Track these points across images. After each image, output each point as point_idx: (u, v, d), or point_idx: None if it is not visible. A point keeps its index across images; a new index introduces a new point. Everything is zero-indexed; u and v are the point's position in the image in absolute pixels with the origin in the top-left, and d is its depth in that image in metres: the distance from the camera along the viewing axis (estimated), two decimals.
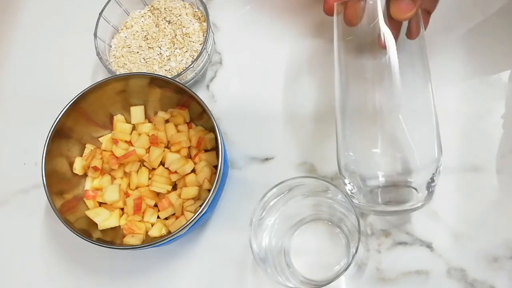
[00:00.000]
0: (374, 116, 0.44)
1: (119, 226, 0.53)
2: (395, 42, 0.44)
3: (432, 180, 0.44)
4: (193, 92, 0.51)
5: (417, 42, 0.46)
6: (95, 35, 0.58)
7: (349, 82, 0.46)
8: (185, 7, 0.61)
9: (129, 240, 0.51)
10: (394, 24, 0.44)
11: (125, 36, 0.61)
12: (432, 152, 0.45)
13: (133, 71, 0.59)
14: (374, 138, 0.44)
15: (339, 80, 0.46)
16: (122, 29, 0.61)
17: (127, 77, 0.53)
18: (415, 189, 0.44)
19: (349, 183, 0.45)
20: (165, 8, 0.61)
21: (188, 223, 0.47)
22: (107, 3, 0.59)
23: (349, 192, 0.46)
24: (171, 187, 0.54)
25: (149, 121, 0.57)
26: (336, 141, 0.46)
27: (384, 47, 0.44)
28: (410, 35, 0.45)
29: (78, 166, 0.55)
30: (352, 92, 0.46)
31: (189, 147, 0.54)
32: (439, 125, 0.45)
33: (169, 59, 0.58)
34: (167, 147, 0.55)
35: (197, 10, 0.61)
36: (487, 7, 0.56)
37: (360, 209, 0.46)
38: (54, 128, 0.51)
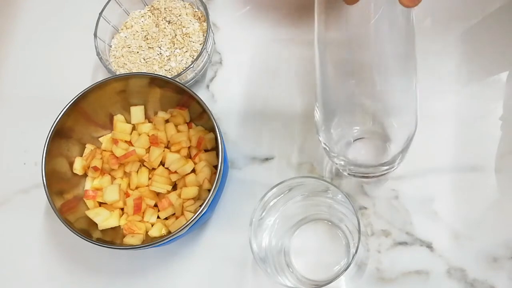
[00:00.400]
0: (354, 72, 0.45)
1: (119, 226, 0.53)
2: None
3: (408, 143, 0.44)
4: (193, 92, 0.51)
5: (405, 31, 0.46)
6: (95, 35, 0.58)
7: (329, 41, 0.46)
8: (185, 7, 0.61)
9: (129, 240, 0.51)
10: None
11: (125, 36, 0.61)
12: (412, 116, 0.44)
13: (133, 71, 0.59)
14: (354, 96, 0.45)
15: (318, 49, 0.46)
16: (122, 29, 0.61)
17: (127, 77, 0.53)
18: (390, 144, 0.45)
19: (323, 137, 0.46)
20: (165, 8, 0.61)
21: (188, 223, 0.47)
22: (107, 3, 0.59)
23: (324, 146, 0.46)
24: (171, 187, 0.54)
25: (149, 121, 0.57)
26: (315, 96, 0.46)
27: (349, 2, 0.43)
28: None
29: (78, 166, 0.55)
30: (334, 57, 0.46)
31: (189, 147, 0.54)
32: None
33: (169, 59, 0.58)
34: (167, 147, 0.55)
35: (197, 10, 0.61)
36: (486, 7, 0.56)
37: (336, 166, 0.46)
38: (54, 128, 0.51)
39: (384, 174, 0.46)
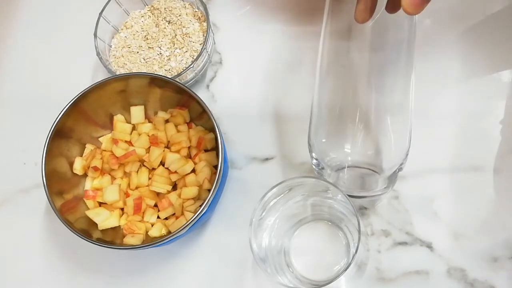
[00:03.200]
0: (352, 102, 0.46)
1: (119, 226, 0.53)
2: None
3: (398, 170, 0.45)
4: (193, 92, 0.51)
5: (406, 37, 0.46)
6: (95, 35, 0.58)
7: (329, 71, 0.47)
8: (185, 7, 0.61)
9: (129, 240, 0.51)
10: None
11: (125, 36, 0.61)
12: (402, 145, 0.45)
13: (133, 71, 0.59)
14: (347, 123, 0.46)
15: (320, 68, 0.47)
16: (122, 29, 0.61)
17: (127, 77, 0.53)
18: (378, 174, 0.45)
19: (316, 159, 0.46)
20: (165, 8, 0.61)
21: (188, 223, 0.47)
22: (107, 3, 0.59)
23: (315, 167, 0.46)
24: (171, 187, 0.54)
25: (149, 121, 0.57)
26: (310, 119, 0.47)
27: (360, 21, 0.44)
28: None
29: (78, 166, 0.55)
30: (332, 79, 0.47)
31: (189, 147, 0.54)
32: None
33: (169, 59, 0.58)
34: (167, 147, 0.55)
35: (197, 10, 0.61)
36: (487, 8, 0.56)
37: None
38: (54, 128, 0.51)
39: (375, 196, 0.46)
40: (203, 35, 0.59)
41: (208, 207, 0.48)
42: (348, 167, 0.45)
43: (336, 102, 0.47)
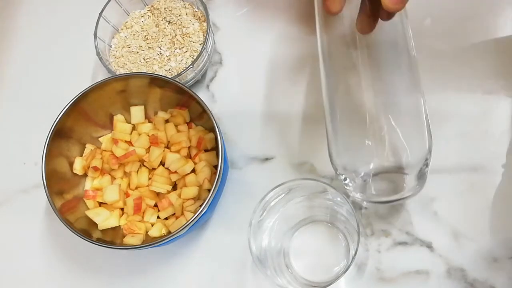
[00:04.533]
0: (362, 108, 0.45)
1: (119, 226, 0.53)
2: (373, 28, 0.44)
3: (425, 167, 0.44)
4: (193, 92, 0.51)
5: (401, 31, 0.46)
6: (95, 35, 0.58)
7: (335, 74, 0.46)
8: (185, 7, 0.61)
9: (129, 240, 0.51)
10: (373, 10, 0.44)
11: (125, 36, 0.61)
12: (423, 139, 0.44)
13: (133, 71, 0.59)
14: (364, 130, 0.44)
15: (324, 72, 0.46)
16: (122, 29, 0.61)
17: (127, 77, 0.53)
18: (406, 174, 0.44)
19: (343, 175, 0.45)
20: (165, 8, 0.61)
21: (188, 223, 0.47)
22: (107, 3, 0.59)
23: (344, 184, 0.46)
24: (171, 187, 0.54)
25: (149, 121, 0.57)
26: (327, 135, 0.46)
27: (362, 32, 0.43)
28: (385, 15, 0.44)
29: (78, 166, 0.55)
30: (338, 84, 0.46)
31: (189, 147, 0.54)
32: (429, 117, 0.45)
33: (169, 59, 0.58)
34: (167, 147, 0.55)
35: (197, 10, 0.61)
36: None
37: (357, 201, 0.46)
38: (54, 128, 0.51)
39: (407, 197, 0.45)
40: (203, 35, 0.59)
41: (208, 207, 0.48)
42: (373, 175, 0.44)
43: (348, 113, 0.46)
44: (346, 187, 0.46)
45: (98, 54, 0.58)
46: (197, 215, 0.47)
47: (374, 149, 0.44)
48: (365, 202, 0.47)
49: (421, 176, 0.44)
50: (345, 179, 0.45)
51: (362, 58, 0.46)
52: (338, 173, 0.46)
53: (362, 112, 0.45)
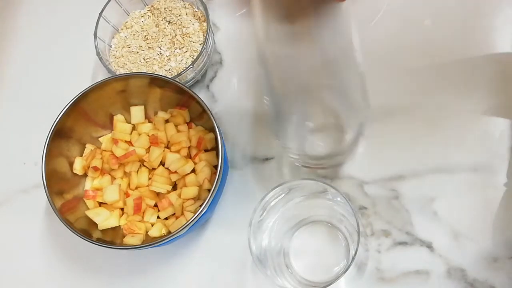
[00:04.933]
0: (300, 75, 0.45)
1: (119, 226, 0.53)
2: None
3: (361, 126, 0.45)
4: (193, 92, 0.51)
5: None
6: (95, 35, 0.58)
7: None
8: (185, 7, 0.61)
9: (129, 240, 0.51)
10: None
11: (125, 36, 0.61)
12: (358, 97, 0.44)
13: (133, 71, 0.59)
14: (303, 92, 0.45)
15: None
16: (122, 29, 0.61)
17: (127, 77, 0.53)
18: (345, 133, 0.45)
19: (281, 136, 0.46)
20: (165, 8, 0.61)
21: (188, 223, 0.47)
22: (107, 3, 0.59)
23: (282, 146, 0.46)
24: (171, 187, 0.54)
25: (149, 121, 0.57)
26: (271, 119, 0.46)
27: None
28: None
29: (78, 166, 0.55)
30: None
31: (189, 147, 0.54)
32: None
33: (169, 59, 0.58)
34: (167, 147, 0.55)
35: (197, 10, 0.61)
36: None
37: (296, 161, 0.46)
38: (54, 128, 0.51)
39: (339, 163, 0.46)
40: (203, 35, 0.59)
41: (208, 207, 0.48)
42: (311, 132, 0.45)
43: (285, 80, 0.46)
44: (284, 147, 0.46)
45: (98, 54, 0.58)
46: (197, 215, 0.47)
47: (314, 104, 0.44)
48: (300, 163, 0.48)
49: (357, 136, 0.45)
50: (282, 143, 0.46)
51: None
52: (277, 139, 0.46)
53: (300, 77, 0.45)
